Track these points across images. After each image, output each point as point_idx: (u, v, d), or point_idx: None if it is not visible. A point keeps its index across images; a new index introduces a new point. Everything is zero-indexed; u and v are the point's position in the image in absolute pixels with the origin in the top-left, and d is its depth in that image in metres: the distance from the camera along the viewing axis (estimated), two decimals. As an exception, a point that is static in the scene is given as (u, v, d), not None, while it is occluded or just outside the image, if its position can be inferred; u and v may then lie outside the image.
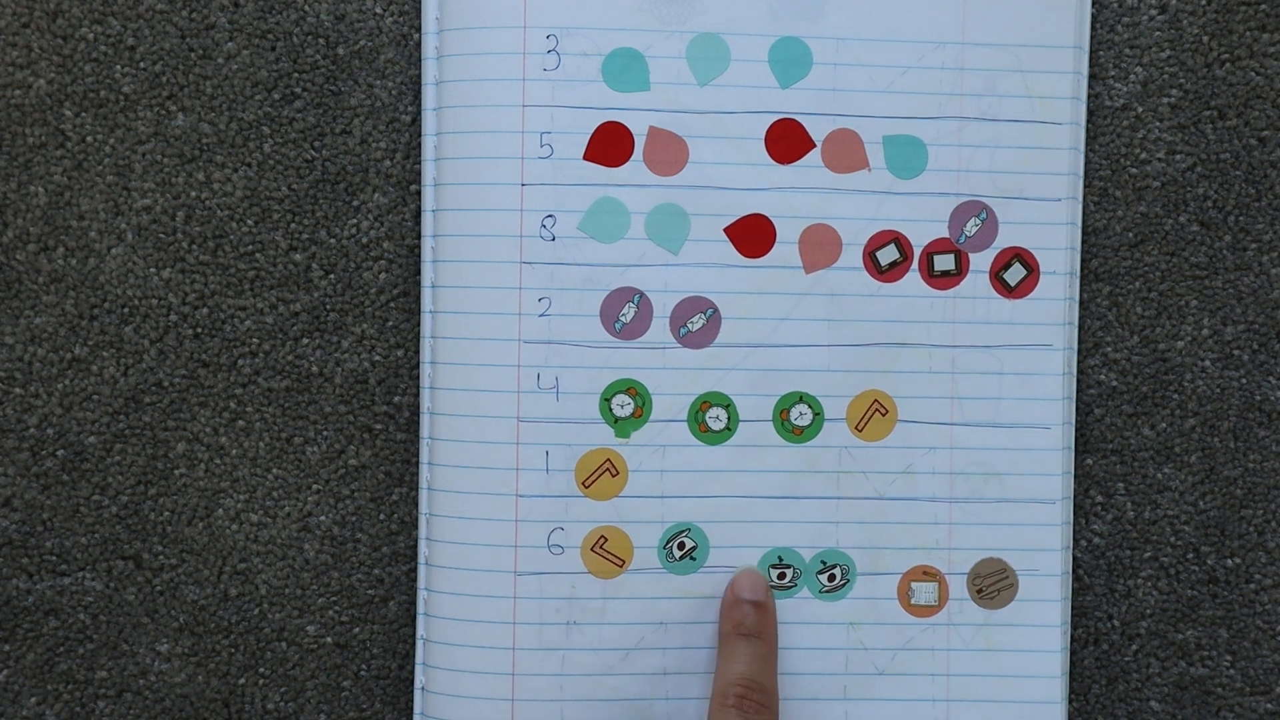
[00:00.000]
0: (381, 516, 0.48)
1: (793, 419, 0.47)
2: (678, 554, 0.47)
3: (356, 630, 0.49)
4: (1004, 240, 0.47)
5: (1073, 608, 0.49)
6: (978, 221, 0.47)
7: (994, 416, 0.47)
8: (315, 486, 0.48)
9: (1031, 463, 0.47)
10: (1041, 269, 0.47)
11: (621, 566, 0.47)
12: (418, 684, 0.47)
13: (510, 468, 0.46)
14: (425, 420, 0.47)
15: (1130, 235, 0.49)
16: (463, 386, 0.46)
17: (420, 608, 0.47)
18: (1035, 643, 0.48)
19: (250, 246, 0.48)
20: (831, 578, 0.48)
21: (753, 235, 0.47)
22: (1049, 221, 0.47)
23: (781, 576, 0.47)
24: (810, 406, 0.47)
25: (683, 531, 0.47)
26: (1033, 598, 0.48)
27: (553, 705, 0.47)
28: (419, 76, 0.48)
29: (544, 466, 0.46)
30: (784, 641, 0.47)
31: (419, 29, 0.48)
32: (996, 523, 0.47)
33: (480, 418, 0.46)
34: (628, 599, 0.47)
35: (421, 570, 0.47)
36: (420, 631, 0.47)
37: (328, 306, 0.48)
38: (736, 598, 0.46)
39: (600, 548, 0.47)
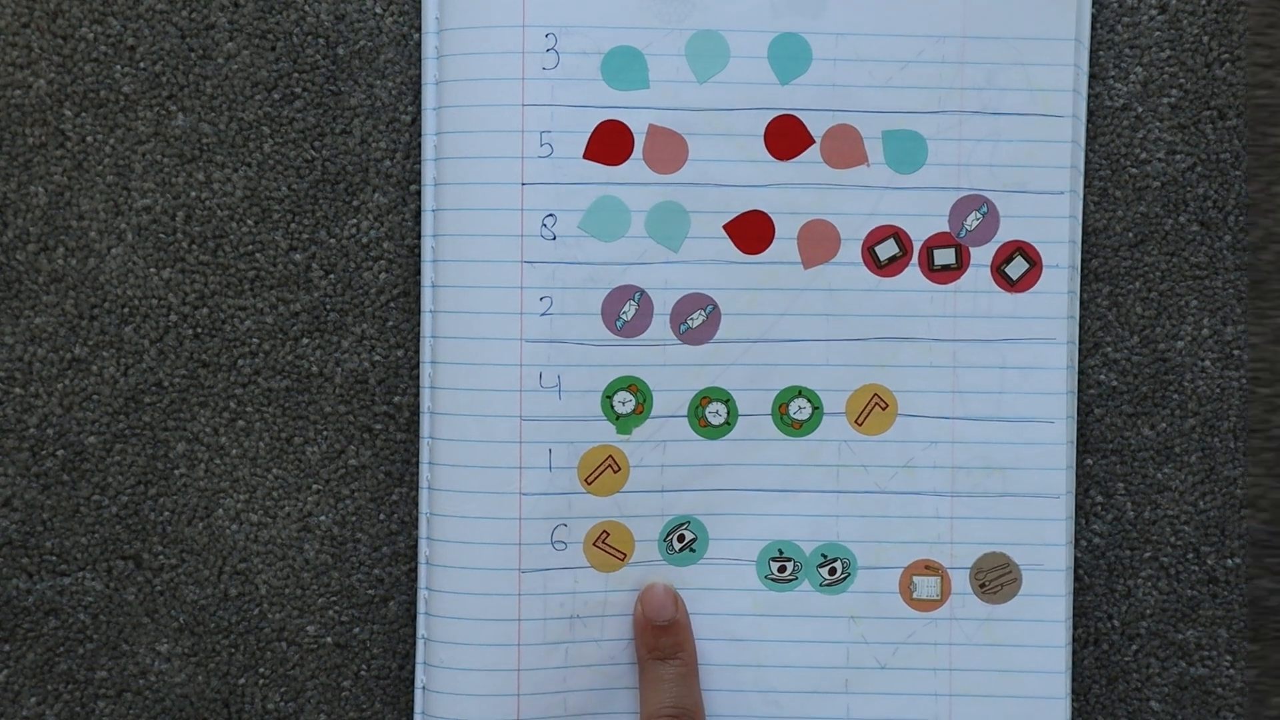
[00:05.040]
0: (381, 516, 0.48)
1: (791, 413, 0.47)
2: (678, 546, 0.47)
3: (356, 630, 0.49)
4: (1005, 234, 0.47)
5: (1073, 608, 0.49)
6: (978, 215, 0.47)
7: (996, 411, 0.47)
8: (315, 486, 0.48)
9: (1035, 457, 0.47)
10: (1044, 262, 0.47)
11: (623, 560, 0.47)
12: (419, 684, 0.47)
13: (513, 466, 0.46)
14: (426, 420, 0.47)
15: (1130, 235, 0.49)
16: (464, 386, 0.46)
17: (421, 607, 0.47)
18: (1039, 638, 0.48)
19: (250, 246, 0.48)
20: (832, 571, 0.48)
21: (752, 232, 0.47)
22: (1050, 215, 0.47)
23: (782, 569, 0.47)
24: (809, 400, 0.47)
25: (683, 524, 0.47)
26: (1036, 593, 0.47)
27: (556, 697, 0.47)
28: (419, 76, 0.48)
29: (547, 464, 0.46)
30: (785, 634, 0.48)
31: (419, 29, 0.48)
32: (999, 517, 0.47)
33: (483, 417, 0.46)
34: (630, 591, 0.47)
35: (422, 570, 0.47)
36: (421, 631, 0.47)
37: (328, 306, 0.48)
38: (647, 622, 0.46)
39: (602, 542, 0.47)
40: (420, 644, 0.47)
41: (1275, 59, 0.46)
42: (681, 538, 0.47)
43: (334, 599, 0.49)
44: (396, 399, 0.48)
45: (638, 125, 0.46)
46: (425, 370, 0.47)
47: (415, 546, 0.48)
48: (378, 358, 0.48)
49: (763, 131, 0.47)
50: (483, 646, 0.46)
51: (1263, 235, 0.46)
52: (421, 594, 0.47)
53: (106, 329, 0.48)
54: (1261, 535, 0.47)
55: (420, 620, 0.47)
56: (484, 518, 0.46)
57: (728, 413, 0.47)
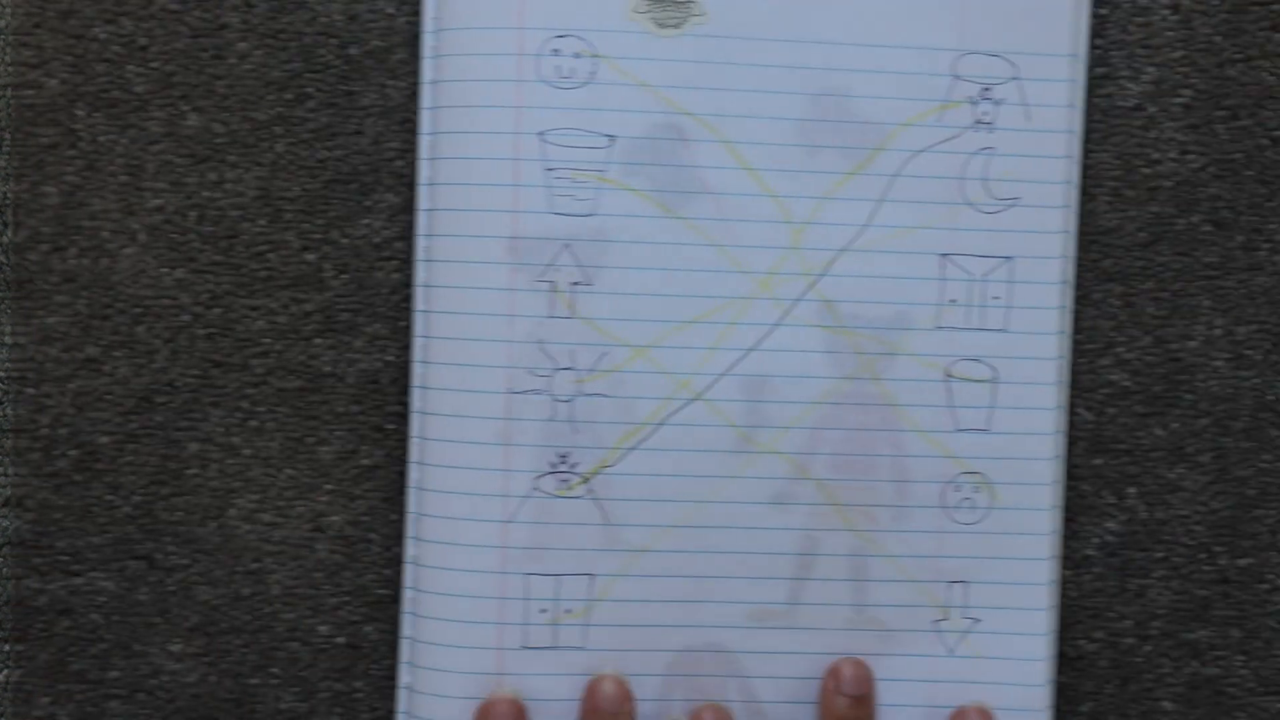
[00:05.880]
0: (394, 517, 0.48)
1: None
2: None
3: (368, 630, 0.49)
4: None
5: (1085, 608, 0.49)
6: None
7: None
8: (328, 486, 0.48)
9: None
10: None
11: None
12: (401, 683, 0.47)
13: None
14: (415, 420, 0.47)
15: (1143, 235, 0.49)
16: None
17: (406, 607, 0.47)
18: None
19: (263, 246, 0.48)
20: None
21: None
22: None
23: None
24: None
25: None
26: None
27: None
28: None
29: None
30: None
31: (431, 29, 0.48)
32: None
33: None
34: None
35: (408, 570, 0.47)
36: (406, 631, 0.47)
37: (340, 306, 0.48)
38: (838, 689, 0.46)
39: None
40: (405, 644, 0.47)
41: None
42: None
43: (346, 599, 0.49)
44: (408, 399, 0.48)
45: None
46: (416, 371, 0.47)
47: (427, 546, 0.48)
48: (390, 357, 0.48)
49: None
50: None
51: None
52: (407, 594, 0.47)
53: (119, 329, 0.48)
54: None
55: (405, 620, 0.47)
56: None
57: None
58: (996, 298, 0.47)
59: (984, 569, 0.47)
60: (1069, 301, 0.48)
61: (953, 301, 0.47)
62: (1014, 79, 0.47)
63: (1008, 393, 0.47)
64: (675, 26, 0.46)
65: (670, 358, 0.46)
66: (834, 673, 0.46)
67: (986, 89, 0.46)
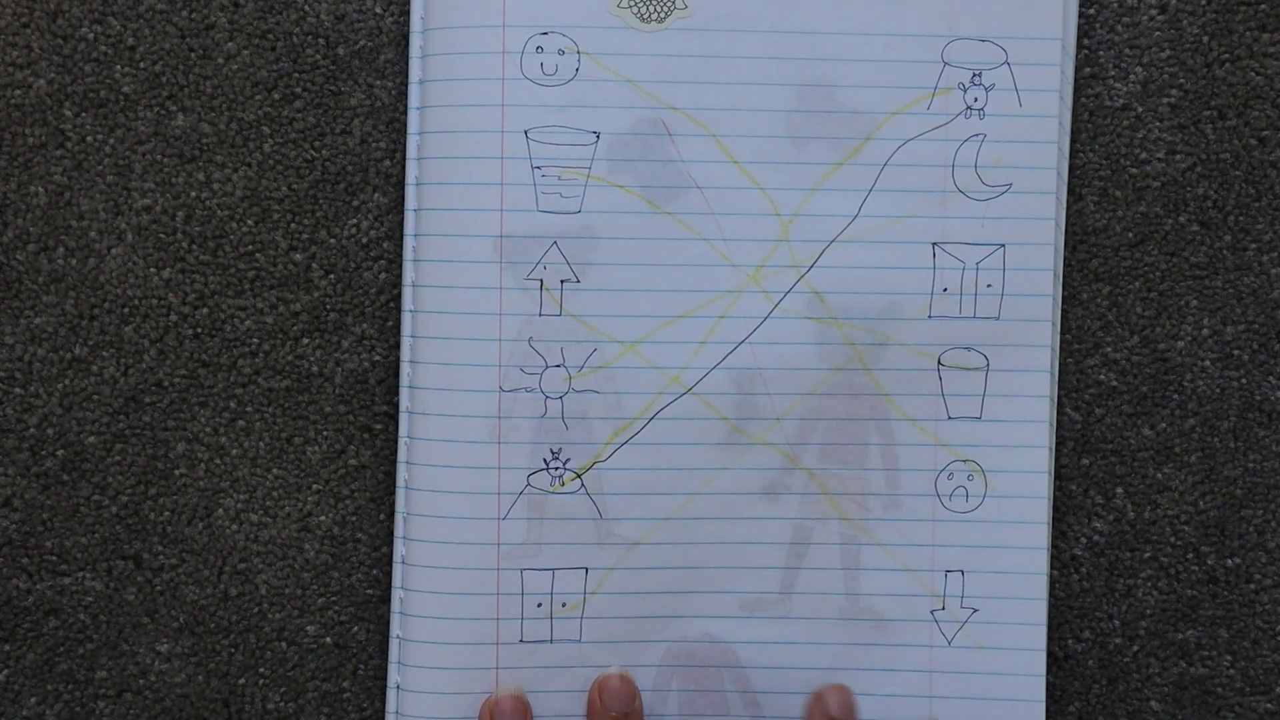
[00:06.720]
0: (381, 517, 0.48)
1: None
2: None
3: (356, 630, 0.49)
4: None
5: (1073, 608, 0.49)
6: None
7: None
8: (315, 486, 0.48)
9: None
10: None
11: None
12: (391, 683, 0.47)
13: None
14: (404, 420, 0.47)
15: (1130, 235, 0.49)
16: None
17: (396, 606, 0.47)
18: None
19: (250, 246, 0.48)
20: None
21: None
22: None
23: None
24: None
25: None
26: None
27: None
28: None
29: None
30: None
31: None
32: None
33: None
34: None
35: (398, 569, 0.47)
36: (396, 630, 0.47)
37: (328, 306, 0.48)
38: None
39: None
40: (395, 643, 0.47)
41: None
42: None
43: (334, 599, 0.49)
44: (396, 399, 0.48)
45: None
46: (404, 370, 0.47)
47: (415, 546, 0.48)
48: (378, 358, 0.48)
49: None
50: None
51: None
52: (396, 593, 0.47)
53: (106, 329, 0.48)
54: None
55: (395, 620, 0.47)
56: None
57: None
58: (989, 285, 0.47)
59: (980, 558, 0.47)
60: (1059, 293, 0.48)
61: (945, 290, 0.47)
62: (1005, 64, 0.47)
63: (1001, 380, 0.47)
64: (658, 21, 0.46)
65: (660, 352, 0.47)
66: (819, 697, 0.46)
67: (977, 74, 0.47)
